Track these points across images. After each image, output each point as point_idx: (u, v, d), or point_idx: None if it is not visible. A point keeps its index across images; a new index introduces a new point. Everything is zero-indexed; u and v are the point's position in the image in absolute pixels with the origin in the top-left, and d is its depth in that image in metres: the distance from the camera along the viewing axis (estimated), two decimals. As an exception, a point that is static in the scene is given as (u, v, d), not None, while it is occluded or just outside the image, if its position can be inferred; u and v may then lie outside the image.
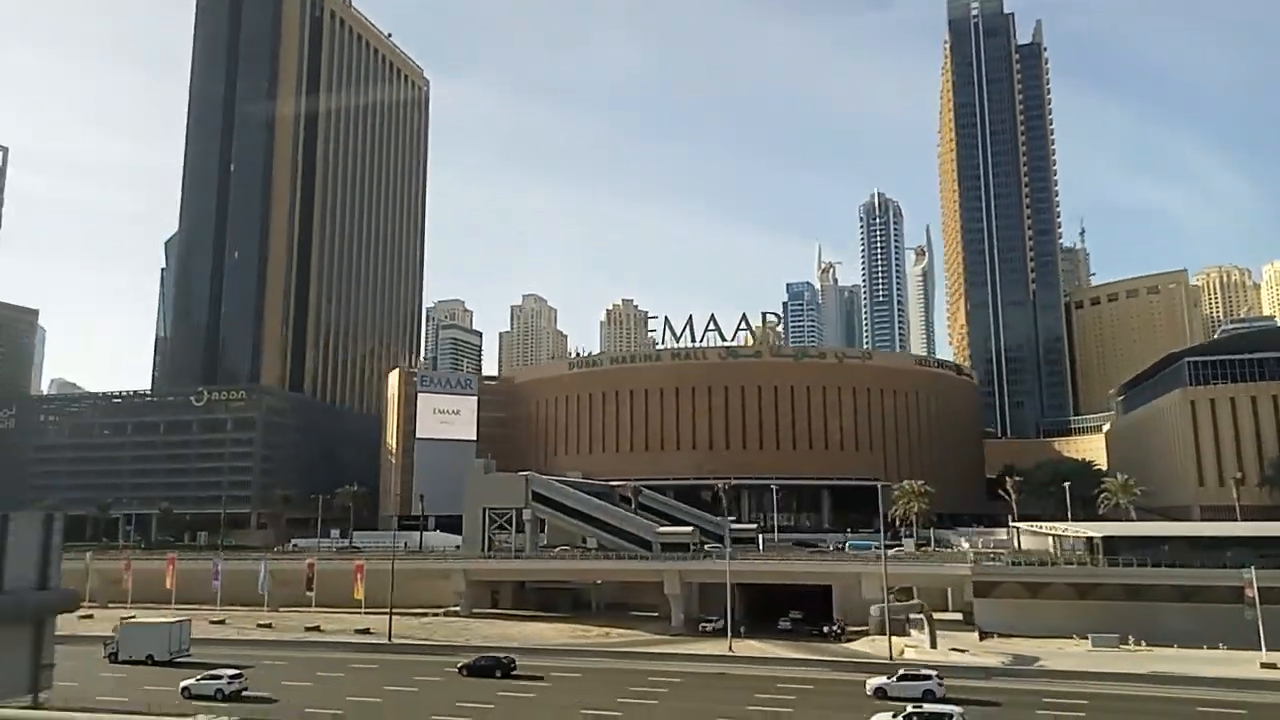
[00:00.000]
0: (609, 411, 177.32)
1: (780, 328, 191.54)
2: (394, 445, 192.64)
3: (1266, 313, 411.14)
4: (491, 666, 66.06)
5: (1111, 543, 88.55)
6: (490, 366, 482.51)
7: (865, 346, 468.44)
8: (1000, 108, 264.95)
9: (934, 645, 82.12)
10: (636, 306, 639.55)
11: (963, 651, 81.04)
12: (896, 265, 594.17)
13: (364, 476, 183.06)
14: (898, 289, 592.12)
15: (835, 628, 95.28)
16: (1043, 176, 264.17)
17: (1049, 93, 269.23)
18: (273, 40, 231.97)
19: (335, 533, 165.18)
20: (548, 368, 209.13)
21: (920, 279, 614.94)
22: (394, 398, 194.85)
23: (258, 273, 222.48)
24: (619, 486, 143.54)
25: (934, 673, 59.11)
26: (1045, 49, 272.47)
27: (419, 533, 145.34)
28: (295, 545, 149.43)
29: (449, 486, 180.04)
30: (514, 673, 66.07)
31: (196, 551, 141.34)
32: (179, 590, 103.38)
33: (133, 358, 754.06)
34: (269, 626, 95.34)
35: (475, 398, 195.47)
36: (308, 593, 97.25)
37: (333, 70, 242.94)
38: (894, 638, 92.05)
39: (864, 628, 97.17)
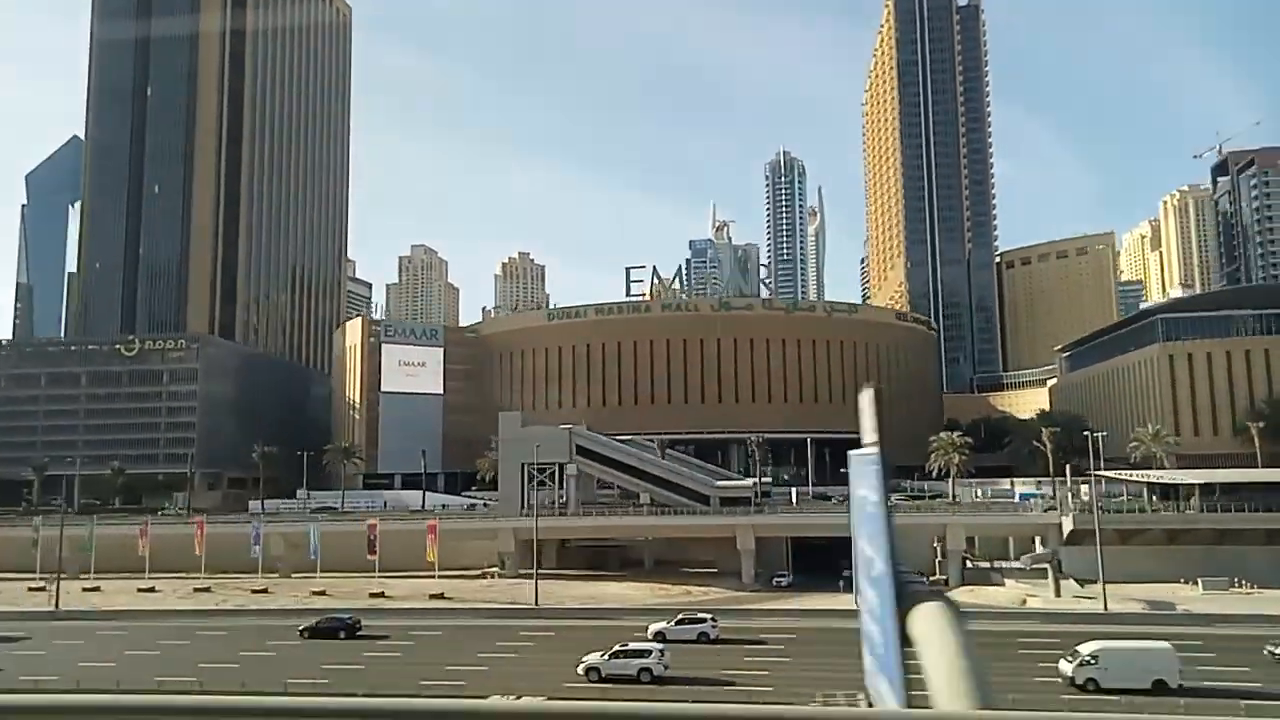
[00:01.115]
0: (594, 364, 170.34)
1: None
2: (355, 400, 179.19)
3: (1127, 278, 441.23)
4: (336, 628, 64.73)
5: (1204, 488, 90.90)
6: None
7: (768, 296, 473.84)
8: (941, 67, 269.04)
9: (1058, 594, 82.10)
10: (533, 260, 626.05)
11: (1091, 599, 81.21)
12: (800, 223, 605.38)
13: (314, 433, 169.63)
14: (801, 247, 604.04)
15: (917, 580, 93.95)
16: (979, 136, 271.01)
17: (986, 53, 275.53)
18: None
19: (303, 493, 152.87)
20: (521, 318, 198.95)
21: (813, 239, 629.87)
22: (354, 349, 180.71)
23: (182, 208, 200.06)
24: (629, 441, 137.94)
25: (709, 617, 62.59)
26: (983, 11, 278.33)
27: (421, 492, 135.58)
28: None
29: (415, 442, 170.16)
30: (359, 633, 64.38)
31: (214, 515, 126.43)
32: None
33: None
34: (325, 592, 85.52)
35: (441, 349, 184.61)
36: (370, 557, 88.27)
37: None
38: (996, 589, 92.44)
39: (938, 577, 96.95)
